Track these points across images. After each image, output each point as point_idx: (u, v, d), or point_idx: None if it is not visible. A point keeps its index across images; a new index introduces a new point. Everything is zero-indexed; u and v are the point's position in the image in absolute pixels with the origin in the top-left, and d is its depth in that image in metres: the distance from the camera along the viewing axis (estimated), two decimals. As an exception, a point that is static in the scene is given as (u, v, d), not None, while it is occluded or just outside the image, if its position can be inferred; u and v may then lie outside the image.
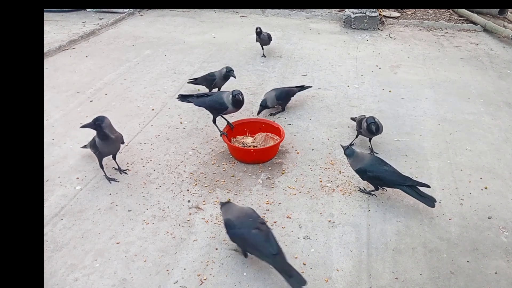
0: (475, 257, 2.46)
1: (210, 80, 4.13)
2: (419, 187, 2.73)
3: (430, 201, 2.69)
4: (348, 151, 2.90)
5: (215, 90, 4.16)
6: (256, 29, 5.19)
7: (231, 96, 3.24)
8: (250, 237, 2.21)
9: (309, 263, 2.39)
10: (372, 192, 2.92)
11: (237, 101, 3.25)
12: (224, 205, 2.47)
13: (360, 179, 2.93)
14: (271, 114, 4.01)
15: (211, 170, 3.18)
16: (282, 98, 3.98)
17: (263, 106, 3.87)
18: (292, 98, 4.11)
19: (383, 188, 2.92)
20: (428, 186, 2.75)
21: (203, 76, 4.27)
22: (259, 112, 3.88)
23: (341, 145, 3.13)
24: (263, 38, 5.26)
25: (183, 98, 3.49)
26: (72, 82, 4.56)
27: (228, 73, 3.99)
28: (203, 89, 4.34)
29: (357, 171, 2.87)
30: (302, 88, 4.21)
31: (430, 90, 4.59)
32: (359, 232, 2.62)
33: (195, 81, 4.34)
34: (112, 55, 5.37)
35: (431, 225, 2.69)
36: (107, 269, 2.33)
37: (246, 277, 2.27)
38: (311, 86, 4.34)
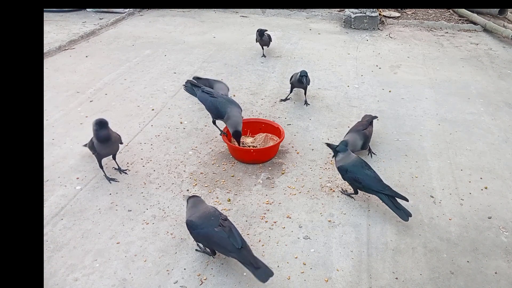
0: (475, 257, 2.46)
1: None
2: (397, 199, 2.67)
3: (404, 215, 2.62)
4: (340, 147, 2.85)
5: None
6: (258, 30, 5.20)
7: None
8: (214, 235, 2.21)
9: (309, 263, 2.39)
10: (352, 195, 2.91)
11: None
12: (191, 199, 2.43)
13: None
14: (281, 100, 4.25)
15: (211, 170, 3.18)
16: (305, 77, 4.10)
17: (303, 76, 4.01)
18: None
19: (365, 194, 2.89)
20: (407, 200, 2.67)
21: (206, 80, 4.15)
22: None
23: (327, 143, 3.01)
24: (264, 40, 5.27)
25: (191, 85, 3.42)
26: (72, 82, 4.56)
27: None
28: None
29: (338, 169, 2.85)
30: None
31: (430, 90, 4.59)
32: (359, 232, 2.62)
33: (199, 81, 4.26)
34: (112, 55, 5.37)
35: (431, 225, 2.69)
36: (107, 269, 2.33)
37: (246, 277, 2.27)
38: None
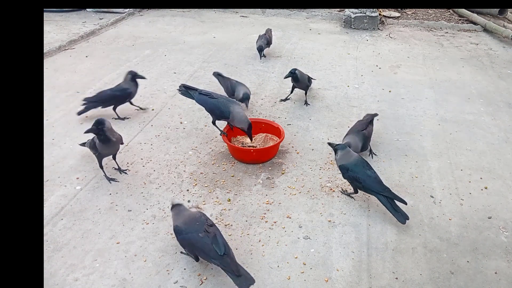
0: (475, 257, 2.46)
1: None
2: (396, 202, 2.66)
3: (402, 218, 2.62)
4: (340, 146, 2.86)
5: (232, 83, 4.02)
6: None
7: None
8: (197, 241, 2.19)
9: (309, 263, 2.39)
10: (352, 195, 2.91)
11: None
12: (174, 207, 2.42)
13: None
14: (280, 100, 4.26)
15: (211, 170, 3.18)
16: (309, 81, 4.22)
17: (292, 73, 4.07)
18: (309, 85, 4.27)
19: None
20: (405, 203, 2.67)
21: (228, 79, 4.06)
22: (286, 77, 4.11)
23: (328, 143, 3.02)
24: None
25: (185, 90, 3.39)
26: (72, 82, 4.56)
27: (245, 100, 3.84)
28: (204, 87, 4.34)
29: (340, 167, 2.85)
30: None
31: (430, 90, 4.59)
32: (359, 232, 2.62)
33: (221, 78, 4.14)
34: (112, 55, 5.37)
35: (431, 225, 2.69)
36: (107, 269, 2.33)
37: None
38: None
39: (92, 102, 3.79)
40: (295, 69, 4.05)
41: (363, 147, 3.24)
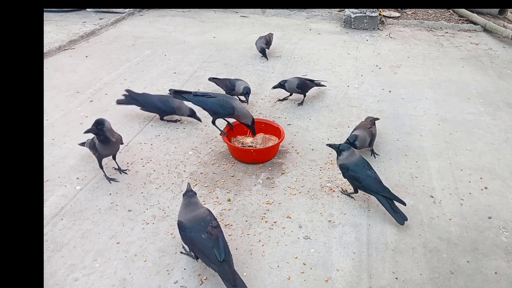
0: (475, 257, 2.46)
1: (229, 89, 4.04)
2: (395, 202, 2.66)
3: (401, 218, 2.62)
4: (343, 146, 2.86)
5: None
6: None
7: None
8: (199, 242, 2.17)
9: (309, 263, 2.39)
10: (352, 195, 2.91)
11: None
12: (186, 196, 2.38)
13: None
14: (278, 100, 4.27)
15: (211, 170, 3.18)
16: (301, 87, 4.12)
17: (281, 85, 4.14)
18: (310, 89, 4.24)
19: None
20: (404, 204, 2.66)
21: (225, 79, 4.18)
22: (274, 87, 4.19)
23: (327, 144, 3.00)
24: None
25: (176, 94, 3.34)
26: (72, 82, 4.56)
27: (245, 94, 3.90)
28: (204, 87, 4.35)
29: (340, 166, 2.85)
30: (317, 84, 4.30)
31: (430, 90, 4.59)
32: (359, 232, 2.62)
33: (217, 80, 4.26)
34: (112, 55, 5.37)
35: (431, 225, 2.69)
36: (107, 269, 2.33)
37: (246, 277, 2.27)
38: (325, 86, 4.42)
39: (133, 99, 3.79)
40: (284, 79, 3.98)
41: (370, 143, 3.27)
